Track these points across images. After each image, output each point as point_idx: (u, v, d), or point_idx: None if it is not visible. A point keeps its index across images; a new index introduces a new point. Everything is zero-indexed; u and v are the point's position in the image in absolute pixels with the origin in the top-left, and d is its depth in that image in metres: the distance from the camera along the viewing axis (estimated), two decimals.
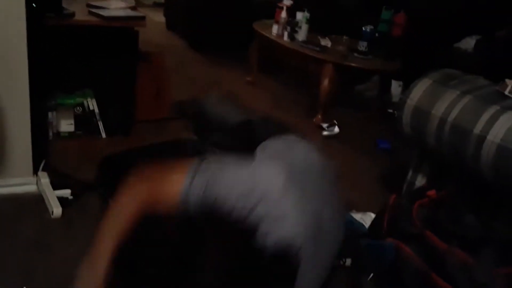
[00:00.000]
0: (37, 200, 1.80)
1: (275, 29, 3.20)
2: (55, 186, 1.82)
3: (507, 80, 1.55)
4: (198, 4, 4.00)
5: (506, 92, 1.52)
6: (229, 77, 3.50)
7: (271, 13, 3.31)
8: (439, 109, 1.57)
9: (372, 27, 2.97)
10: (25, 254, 1.49)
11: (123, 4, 2.35)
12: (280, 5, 3.21)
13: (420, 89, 1.67)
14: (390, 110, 2.98)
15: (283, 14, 3.15)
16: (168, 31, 4.64)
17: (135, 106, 2.46)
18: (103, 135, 2.39)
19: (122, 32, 2.29)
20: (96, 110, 2.37)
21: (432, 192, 1.59)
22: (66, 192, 1.81)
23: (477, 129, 1.45)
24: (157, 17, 4.77)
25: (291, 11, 3.17)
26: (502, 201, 1.52)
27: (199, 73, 3.56)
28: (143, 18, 2.28)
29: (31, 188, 1.85)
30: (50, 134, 2.31)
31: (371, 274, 1.46)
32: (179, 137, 1.70)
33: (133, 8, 2.42)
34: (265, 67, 3.54)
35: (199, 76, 3.46)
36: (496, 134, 1.39)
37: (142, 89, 2.49)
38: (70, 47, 2.19)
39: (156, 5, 5.24)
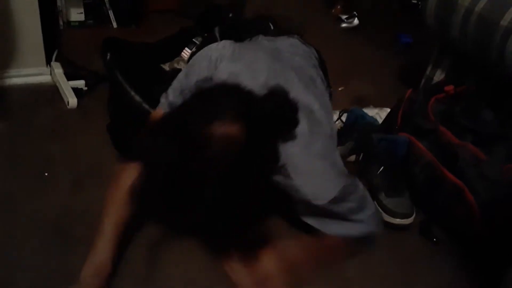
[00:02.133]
0: (52, 90, 1.81)
1: None
2: (69, 77, 1.82)
3: None
4: None
5: None
6: None
7: None
8: None
9: None
10: (42, 142, 1.53)
11: None
12: None
13: None
14: (415, 1, 2.82)
15: None
16: None
17: None
18: (114, 25, 2.34)
19: None
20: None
21: (450, 87, 1.55)
22: (80, 83, 1.80)
23: (505, 20, 1.36)
24: None
25: None
26: None
27: None
28: None
29: (46, 78, 1.85)
30: (61, 23, 2.26)
31: (382, 167, 1.48)
32: (185, 27, 1.68)
33: None
34: None
35: None
36: None
37: None
38: None
39: None
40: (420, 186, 1.41)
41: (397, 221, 1.36)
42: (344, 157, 1.58)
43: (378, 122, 1.67)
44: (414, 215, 1.38)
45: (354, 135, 1.60)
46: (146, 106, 1.34)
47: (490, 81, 1.59)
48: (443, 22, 1.56)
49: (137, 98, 1.36)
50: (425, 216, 1.41)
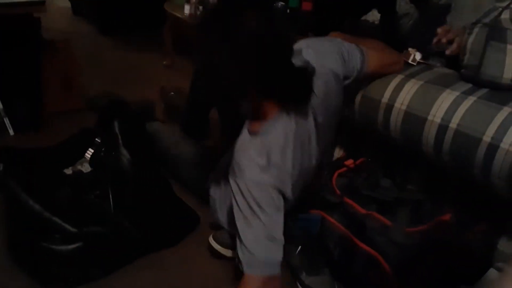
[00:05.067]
0: None
1: (187, 9, 3.12)
2: None
3: (410, 49, 1.64)
4: None
5: (409, 61, 1.61)
6: (144, 62, 3.38)
7: None
8: None
9: (283, 3, 3.00)
10: None
11: None
12: None
13: None
14: None
15: None
16: (75, 16, 4.39)
17: (43, 99, 2.31)
18: (11, 132, 2.23)
19: (21, 20, 2.12)
20: (0, 106, 2.21)
21: (349, 162, 1.67)
22: None
23: (385, 98, 1.52)
24: (62, 2, 4.49)
25: None
26: (413, 163, 1.62)
27: (112, 59, 3.41)
28: (41, 2, 2.12)
29: None
30: None
31: (299, 247, 1.51)
32: (86, 129, 1.67)
33: None
34: (183, 48, 3.46)
35: (112, 63, 3.32)
36: (402, 101, 1.47)
37: (49, 80, 2.34)
38: None
39: None
40: (337, 260, 1.44)
41: None
42: None
43: None
44: None
45: None
46: (47, 214, 1.27)
47: (382, 152, 1.73)
48: None
49: (37, 207, 1.28)
50: None
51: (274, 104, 1.25)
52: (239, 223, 1.21)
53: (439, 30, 1.58)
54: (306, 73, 1.23)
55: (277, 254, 1.22)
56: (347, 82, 1.44)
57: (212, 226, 1.70)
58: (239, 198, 1.21)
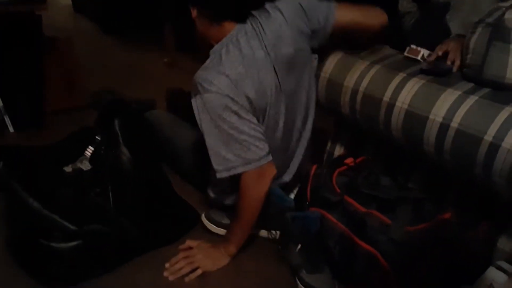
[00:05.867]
0: None
1: None
2: None
3: (413, 46, 1.63)
4: None
5: (419, 58, 1.59)
6: (146, 60, 3.38)
7: None
8: (350, 80, 1.63)
9: None
10: None
11: None
12: None
13: (332, 61, 1.71)
14: None
15: None
16: (76, 13, 4.39)
17: (44, 96, 2.32)
18: (11, 129, 2.24)
19: (22, 17, 2.12)
20: (1, 104, 2.21)
21: (349, 160, 1.66)
22: None
23: (386, 97, 1.51)
24: None
25: None
26: (414, 162, 1.62)
27: (113, 57, 3.41)
28: (43, 1, 2.12)
29: None
30: None
31: (299, 245, 1.50)
32: (86, 127, 1.67)
33: None
34: (184, 46, 3.46)
35: (113, 61, 3.31)
36: (403, 100, 1.47)
37: (50, 78, 2.34)
38: None
39: None
40: (337, 258, 1.44)
41: None
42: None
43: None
44: None
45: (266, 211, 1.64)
46: (46, 212, 1.27)
47: (383, 150, 1.73)
48: (334, 103, 1.70)
49: (36, 205, 1.28)
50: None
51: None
52: (212, 140, 1.41)
53: (437, 48, 1.59)
54: None
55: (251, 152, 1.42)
56: (314, 36, 1.59)
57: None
58: (203, 115, 1.40)
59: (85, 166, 1.54)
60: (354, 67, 1.63)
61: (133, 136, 1.57)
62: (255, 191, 1.47)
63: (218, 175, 1.45)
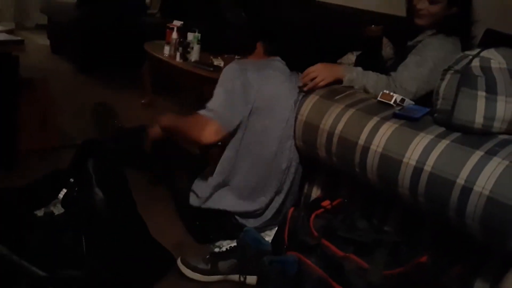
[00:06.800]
0: None
1: (167, 50, 3.17)
2: None
3: (385, 91, 1.67)
4: (84, 25, 3.84)
5: (391, 102, 1.63)
6: (123, 100, 3.38)
7: (161, 34, 3.27)
8: (326, 123, 1.66)
9: None
10: None
11: None
12: (170, 26, 3.19)
13: (308, 104, 1.74)
14: None
15: (174, 34, 3.13)
16: (54, 54, 4.39)
17: (17, 137, 2.27)
18: None
19: None
20: None
21: (326, 202, 1.67)
22: None
23: (361, 140, 1.54)
24: (41, 40, 4.50)
25: (182, 32, 3.17)
26: (390, 204, 1.63)
27: (90, 97, 3.39)
28: (20, 42, 2.12)
29: None
30: None
31: None
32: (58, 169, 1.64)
33: (10, 32, 2.25)
34: (161, 88, 3.48)
35: (90, 101, 3.30)
36: (378, 143, 1.50)
37: (25, 118, 2.31)
38: None
39: (38, 27, 4.95)
40: None
41: None
42: (225, 273, 1.63)
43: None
44: None
45: (242, 254, 1.62)
46: (15, 257, 1.22)
47: (359, 193, 1.74)
48: (311, 144, 1.72)
49: (4, 250, 1.23)
50: None
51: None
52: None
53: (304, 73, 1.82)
54: None
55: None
56: None
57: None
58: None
59: (58, 209, 1.51)
60: (329, 110, 1.67)
61: (107, 176, 1.55)
62: (196, 130, 1.78)
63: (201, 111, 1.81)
